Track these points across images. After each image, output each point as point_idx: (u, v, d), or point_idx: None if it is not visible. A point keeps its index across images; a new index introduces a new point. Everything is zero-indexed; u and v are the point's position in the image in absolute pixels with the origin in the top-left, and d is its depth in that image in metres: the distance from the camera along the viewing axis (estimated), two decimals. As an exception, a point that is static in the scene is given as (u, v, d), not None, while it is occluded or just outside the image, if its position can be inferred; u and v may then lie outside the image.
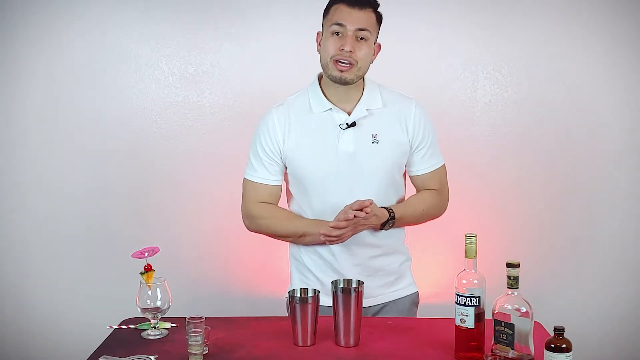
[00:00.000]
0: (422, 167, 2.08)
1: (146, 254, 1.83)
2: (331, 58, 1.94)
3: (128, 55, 2.90)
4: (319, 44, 2.01)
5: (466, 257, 1.63)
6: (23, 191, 2.95)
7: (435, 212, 2.11)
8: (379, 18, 1.99)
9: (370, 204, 1.88)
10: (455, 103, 2.91)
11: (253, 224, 2.08)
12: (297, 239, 2.05)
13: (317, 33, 2.03)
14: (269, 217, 2.04)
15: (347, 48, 1.91)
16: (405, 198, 2.12)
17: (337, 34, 1.93)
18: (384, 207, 1.98)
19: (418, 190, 2.12)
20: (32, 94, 2.91)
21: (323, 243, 1.98)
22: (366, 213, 1.87)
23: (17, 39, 2.87)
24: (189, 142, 2.93)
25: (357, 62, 1.94)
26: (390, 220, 1.98)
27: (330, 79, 1.97)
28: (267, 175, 2.05)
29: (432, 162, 2.09)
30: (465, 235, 1.63)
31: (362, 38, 1.93)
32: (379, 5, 1.99)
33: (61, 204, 2.95)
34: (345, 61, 1.93)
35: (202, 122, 2.93)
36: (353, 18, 1.92)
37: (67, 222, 2.95)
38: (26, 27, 2.86)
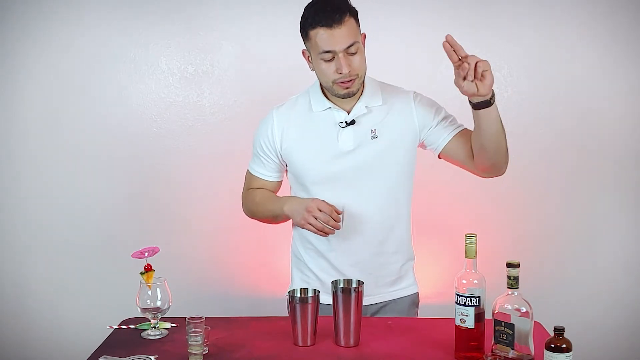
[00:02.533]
0: (447, 132, 2.02)
1: (146, 254, 1.84)
2: (333, 82, 1.93)
3: (128, 55, 2.90)
4: (309, 61, 1.97)
5: (466, 257, 1.63)
6: (23, 191, 2.95)
7: (505, 142, 1.94)
8: (356, 16, 1.93)
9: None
10: (455, 103, 2.89)
11: (244, 209, 2.18)
12: (274, 220, 2.09)
13: (303, 51, 1.99)
14: (251, 201, 2.13)
15: (344, 71, 1.88)
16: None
17: (328, 59, 1.90)
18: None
19: (464, 159, 2.01)
20: (31, 94, 2.91)
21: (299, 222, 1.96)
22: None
23: (16, 40, 2.87)
24: (189, 142, 2.93)
25: (357, 74, 1.93)
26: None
27: (338, 97, 1.97)
28: (263, 171, 2.11)
29: (456, 126, 2.04)
30: (465, 235, 1.63)
31: (351, 52, 1.90)
32: (351, 6, 1.92)
33: (61, 204, 2.95)
34: (347, 79, 1.91)
35: (202, 122, 2.93)
36: (337, 40, 1.86)
37: (67, 222, 2.95)
38: (25, 28, 2.86)
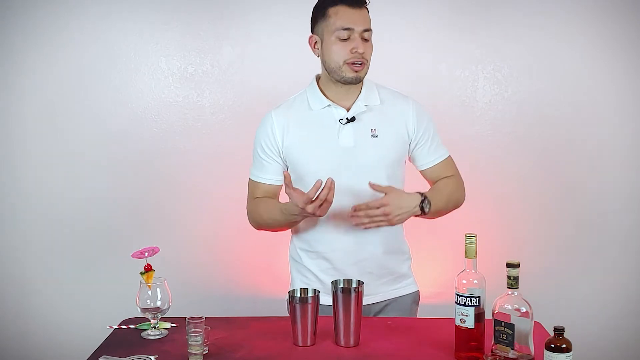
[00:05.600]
0: (431, 159, 2.09)
1: (146, 254, 1.84)
2: (344, 62, 1.95)
3: (128, 55, 2.90)
4: (315, 47, 2.03)
5: (466, 257, 1.63)
6: (23, 192, 2.95)
7: (457, 196, 2.12)
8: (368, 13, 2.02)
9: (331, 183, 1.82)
10: (455, 103, 2.91)
11: (250, 220, 2.12)
12: (287, 225, 2.04)
13: (310, 37, 2.04)
14: (256, 213, 2.08)
15: (360, 50, 1.93)
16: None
17: (344, 37, 1.94)
18: (414, 192, 1.95)
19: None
20: (31, 94, 2.91)
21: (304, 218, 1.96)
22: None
23: (16, 40, 2.87)
24: (189, 142, 2.93)
25: (367, 61, 1.97)
26: (425, 200, 1.94)
27: (343, 81, 1.98)
28: (265, 175, 2.08)
29: (440, 153, 2.11)
30: (465, 235, 1.63)
31: (365, 38, 1.96)
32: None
33: (61, 204, 2.94)
34: (359, 62, 1.95)
35: (202, 122, 2.93)
36: (358, 19, 1.94)
37: (67, 222, 2.95)
38: (25, 28, 2.86)
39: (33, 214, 2.95)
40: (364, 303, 1.77)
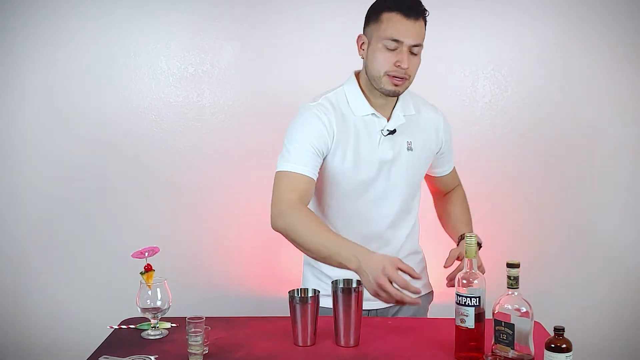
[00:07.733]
0: (446, 167, 2.19)
1: (146, 254, 1.84)
2: (385, 73, 1.86)
3: (128, 55, 2.90)
4: (361, 48, 1.92)
5: (466, 257, 1.63)
6: (22, 191, 2.94)
7: (466, 200, 2.28)
8: (425, 25, 1.91)
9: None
10: (456, 103, 2.91)
11: (280, 223, 1.79)
12: (320, 258, 1.78)
13: (359, 36, 1.93)
14: (294, 219, 1.77)
15: (404, 65, 1.83)
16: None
17: (392, 48, 1.84)
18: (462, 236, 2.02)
19: (437, 189, 2.26)
20: (31, 93, 2.90)
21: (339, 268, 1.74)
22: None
23: (16, 39, 2.87)
24: (189, 142, 2.93)
25: (410, 76, 1.89)
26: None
27: (382, 92, 1.90)
28: (306, 167, 1.84)
29: (452, 162, 2.21)
30: (466, 235, 1.63)
31: (414, 53, 1.87)
32: (426, 13, 1.89)
33: (61, 203, 2.94)
34: (401, 76, 1.86)
35: (202, 122, 2.93)
36: (409, 33, 1.83)
37: (67, 222, 2.95)
38: (24, 27, 2.86)
39: (33, 214, 2.95)
40: (379, 307, 1.75)
